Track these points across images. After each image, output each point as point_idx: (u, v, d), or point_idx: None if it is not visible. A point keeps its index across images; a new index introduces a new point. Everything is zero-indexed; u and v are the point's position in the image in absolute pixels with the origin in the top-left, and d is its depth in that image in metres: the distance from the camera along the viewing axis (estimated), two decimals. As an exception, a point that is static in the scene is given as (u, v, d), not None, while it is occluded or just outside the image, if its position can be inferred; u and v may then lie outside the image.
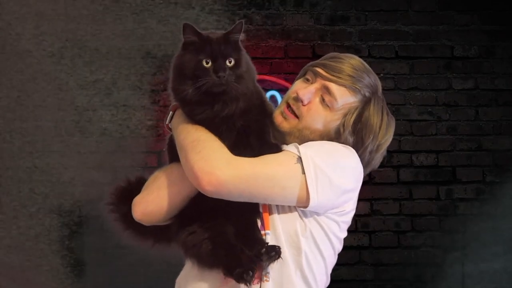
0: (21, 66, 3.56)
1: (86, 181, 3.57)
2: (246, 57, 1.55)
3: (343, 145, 1.60)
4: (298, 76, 1.73)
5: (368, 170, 1.68)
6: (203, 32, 1.52)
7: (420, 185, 3.72)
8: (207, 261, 1.51)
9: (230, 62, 1.48)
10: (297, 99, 1.63)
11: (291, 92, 1.68)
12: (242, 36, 1.52)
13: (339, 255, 1.66)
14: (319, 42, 3.72)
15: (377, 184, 3.65)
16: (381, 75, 3.59)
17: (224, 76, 1.46)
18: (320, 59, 1.70)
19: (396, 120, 1.71)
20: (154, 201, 1.60)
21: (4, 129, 3.56)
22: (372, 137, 1.63)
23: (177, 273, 1.69)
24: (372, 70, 1.69)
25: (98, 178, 3.58)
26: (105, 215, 1.75)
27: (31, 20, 3.55)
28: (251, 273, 1.43)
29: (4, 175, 3.55)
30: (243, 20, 1.51)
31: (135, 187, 1.69)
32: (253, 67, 1.60)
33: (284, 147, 1.58)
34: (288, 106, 1.65)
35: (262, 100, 1.63)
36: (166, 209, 1.59)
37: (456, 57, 3.76)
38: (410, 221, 3.71)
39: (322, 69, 1.64)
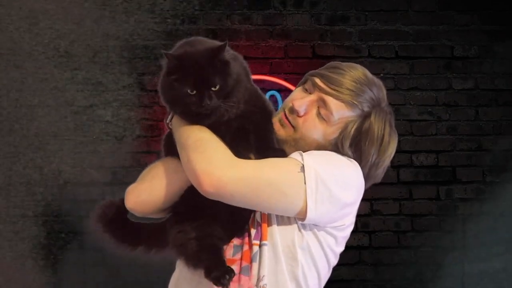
0: (20, 66, 3.56)
1: (86, 181, 3.57)
2: (234, 69, 1.49)
3: (346, 157, 1.57)
4: (299, 82, 1.69)
5: (369, 184, 1.65)
6: (185, 53, 1.46)
7: (420, 185, 3.72)
8: (191, 262, 1.50)
9: (215, 87, 1.44)
10: (293, 110, 1.60)
11: (288, 101, 1.65)
12: (227, 55, 1.48)
13: (339, 255, 1.66)
14: (319, 42, 3.72)
15: (377, 184, 3.64)
16: (381, 75, 3.59)
17: (208, 104, 1.44)
18: (322, 67, 1.66)
19: (396, 120, 1.69)
20: (147, 190, 1.57)
21: (4, 129, 3.56)
22: (373, 150, 1.59)
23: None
24: (375, 82, 1.63)
25: (98, 178, 3.58)
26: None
27: (29, 19, 3.55)
28: (227, 276, 1.41)
29: (3, 175, 3.54)
30: (227, 41, 1.47)
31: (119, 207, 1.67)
32: (245, 71, 1.55)
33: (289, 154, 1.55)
34: (285, 114, 1.62)
35: (263, 104, 1.60)
36: (159, 199, 1.56)
37: (456, 57, 3.76)
38: (410, 221, 3.70)
39: (321, 81, 1.60)
